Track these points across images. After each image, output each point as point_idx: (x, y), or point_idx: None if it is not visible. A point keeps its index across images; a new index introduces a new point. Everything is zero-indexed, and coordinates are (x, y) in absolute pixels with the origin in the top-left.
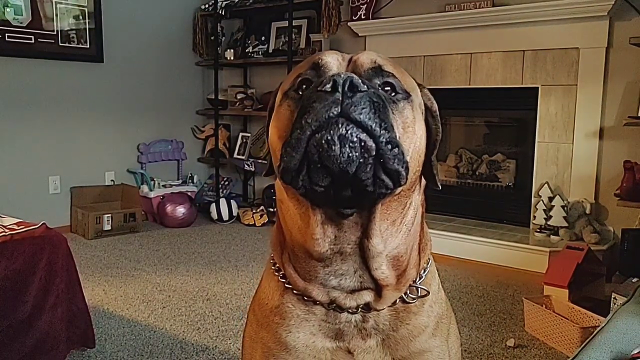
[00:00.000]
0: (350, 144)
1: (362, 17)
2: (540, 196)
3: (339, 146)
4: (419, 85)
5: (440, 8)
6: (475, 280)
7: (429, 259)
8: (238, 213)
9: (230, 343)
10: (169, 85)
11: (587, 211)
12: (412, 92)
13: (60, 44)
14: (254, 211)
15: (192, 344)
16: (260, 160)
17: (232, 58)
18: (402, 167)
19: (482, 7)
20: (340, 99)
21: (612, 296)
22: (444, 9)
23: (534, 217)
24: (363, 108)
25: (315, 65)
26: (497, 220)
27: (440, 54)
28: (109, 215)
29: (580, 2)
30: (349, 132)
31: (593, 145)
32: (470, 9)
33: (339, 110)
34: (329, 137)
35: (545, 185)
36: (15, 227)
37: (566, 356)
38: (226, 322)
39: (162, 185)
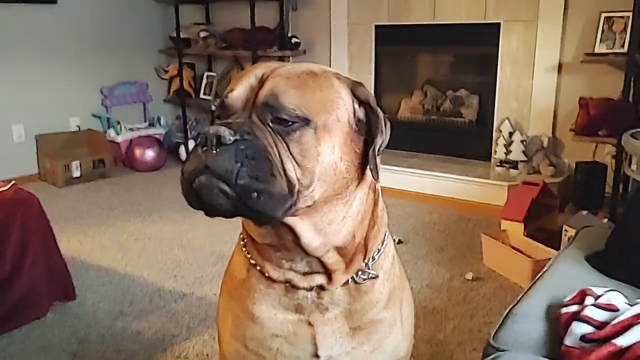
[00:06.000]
0: (213, 190)
1: None
2: (501, 131)
3: (203, 192)
4: (354, 83)
5: None
6: (438, 215)
7: (383, 240)
8: None
9: (207, 289)
10: (128, 23)
11: (545, 145)
12: (316, 115)
13: None
14: None
15: (170, 292)
16: None
17: None
18: (266, 207)
19: None
20: (207, 153)
21: (563, 228)
22: None
23: (495, 152)
24: (223, 162)
25: (222, 105)
26: (460, 156)
27: None
28: (77, 162)
29: None
30: (210, 181)
31: (552, 81)
32: None
33: (204, 164)
34: (195, 185)
35: (506, 120)
36: None
37: (519, 286)
38: (202, 268)
39: (129, 129)
